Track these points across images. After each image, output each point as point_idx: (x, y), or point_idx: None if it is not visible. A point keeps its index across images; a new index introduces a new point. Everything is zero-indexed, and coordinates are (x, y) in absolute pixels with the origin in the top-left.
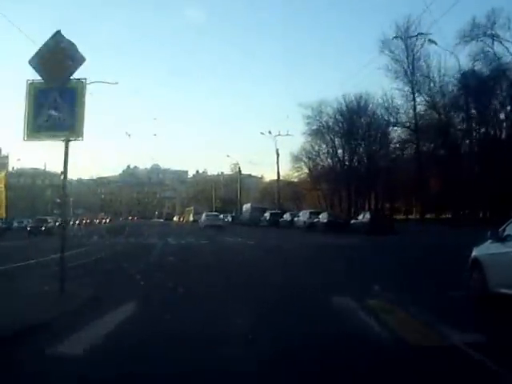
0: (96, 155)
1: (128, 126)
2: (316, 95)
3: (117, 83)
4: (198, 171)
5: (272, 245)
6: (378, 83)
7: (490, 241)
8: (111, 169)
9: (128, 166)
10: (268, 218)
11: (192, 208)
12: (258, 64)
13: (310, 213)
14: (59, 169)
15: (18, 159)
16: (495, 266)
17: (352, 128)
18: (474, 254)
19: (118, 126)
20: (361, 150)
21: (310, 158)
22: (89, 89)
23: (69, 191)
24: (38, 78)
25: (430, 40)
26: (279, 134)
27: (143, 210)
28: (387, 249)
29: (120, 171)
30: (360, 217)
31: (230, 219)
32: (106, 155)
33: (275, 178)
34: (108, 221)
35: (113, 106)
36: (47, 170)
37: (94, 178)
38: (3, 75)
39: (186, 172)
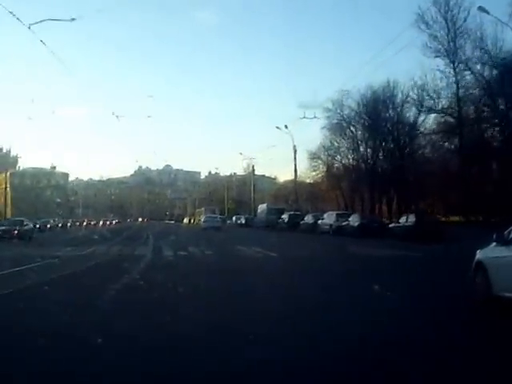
0: (107, 155)
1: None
2: (324, 93)
3: (74, 19)
4: (210, 172)
5: (303, 259)
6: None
7: (494, 244)
8: (122, 170)
9: (139, 167)
10: (287, 220)
11: (203, 209)
12: (264, 63)
13: (338, 215)
14: (66, 169)
15: (20, 157)
16: (500, 270)
17: (377, 120)
18: (477, 257)
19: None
20: (387, 144)
21: (329, 155)
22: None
23: (78, 192)
24: None
25: (480, 8)
26: (304, 117)
27: (154, 211)
28: (459, 264)
29: (131, 172)
30: (402, 220)
31: (243, 221)
32: (117, 156)
33: (289, 178)
34: (114, 222)
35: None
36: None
37: (104, 178)
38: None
39: (199, 173)
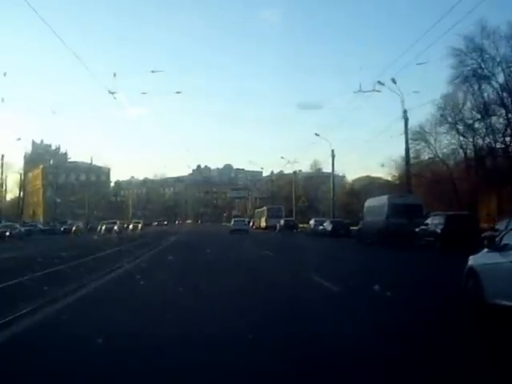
0: (165, 155)
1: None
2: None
3: None
4: (272, 172)
5: None
6: None
7: (486, 250)
8: (180, 169)
9: (198, 166)
10: (441, 227)
11: (264, 209)
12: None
13: None
14: (108, 163)
15: (69, 158)
16: (492, 277)
17: None
18: (469, 263)
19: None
20: None
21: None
22: None
23: (132, 191)
24: None
25: None
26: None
27: (212, 212)
28: None
29: (190, 171)
30: None
31: (328, 228)
32: (175, 154)
33: (359, 176)
34: (135, 226)
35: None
36: (94, 163)
37: (160, 177)
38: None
39: (261, 173)
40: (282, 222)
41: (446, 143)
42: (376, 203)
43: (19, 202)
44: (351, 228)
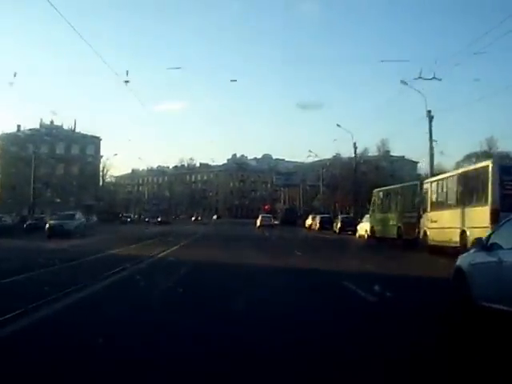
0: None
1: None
2: None
3: None
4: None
5: None
6: None
7: (474, 249)
8: (216, 157)
9: (233, 155)
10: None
11: (453, 176)
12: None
13: None
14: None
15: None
16: (480, 278)
17: None
18: (457, 263)
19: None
20: None
21: None
22: None
23: (147, 182)
24: None
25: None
26: None
27: (248, 205)
28: None
29: (225, 160)
30: None
31: None
32: (214, 143)
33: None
34: None
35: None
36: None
37: (185, 164)
38: None
39: (302, 163)
40: None
41: None
42: None
43: None
44: None
